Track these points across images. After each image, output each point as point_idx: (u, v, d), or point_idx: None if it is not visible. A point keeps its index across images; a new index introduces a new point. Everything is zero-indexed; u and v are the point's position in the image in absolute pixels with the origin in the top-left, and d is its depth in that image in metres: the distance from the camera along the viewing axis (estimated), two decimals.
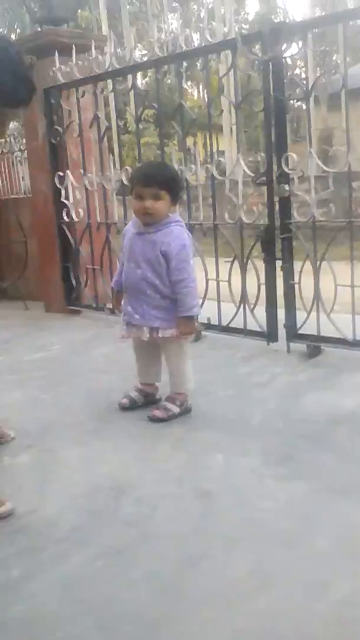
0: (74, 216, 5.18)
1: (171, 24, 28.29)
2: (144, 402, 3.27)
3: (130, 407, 3.24)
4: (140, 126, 4.91)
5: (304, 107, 4.02)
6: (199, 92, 29.54)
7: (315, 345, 3.83)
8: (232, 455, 2.67)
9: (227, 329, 4.27)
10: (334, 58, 25.42)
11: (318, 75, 4.06)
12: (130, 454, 2.76)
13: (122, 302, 3.20)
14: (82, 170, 5.03)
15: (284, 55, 3.83)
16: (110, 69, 4.63)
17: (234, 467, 2.58)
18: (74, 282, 5.38)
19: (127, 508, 2.33)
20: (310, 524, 2.13)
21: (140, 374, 3.31)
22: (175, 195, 3.02)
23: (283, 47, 3.75)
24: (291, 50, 3.86)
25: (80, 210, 5.14)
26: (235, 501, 2.32)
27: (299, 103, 5.72)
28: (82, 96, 4.91)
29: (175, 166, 4.36)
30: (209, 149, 4.32)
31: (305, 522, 2.14)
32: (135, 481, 2.51)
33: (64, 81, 4.98)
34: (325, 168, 3.70)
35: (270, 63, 3.76)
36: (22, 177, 6.86)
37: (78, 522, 2.25)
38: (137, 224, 3.08)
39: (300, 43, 3.77)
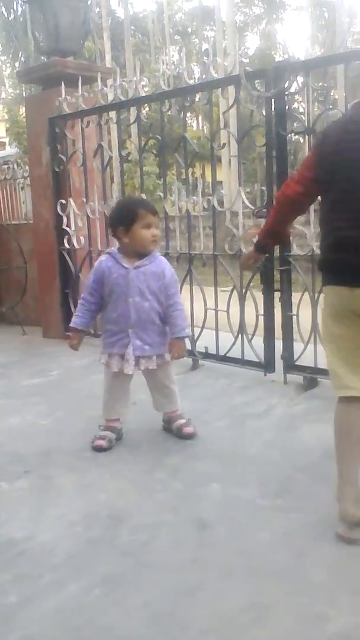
0: (75, 243, 5.23)
1: (172, 56, 28.89)
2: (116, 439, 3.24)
3: (108, 448, 3.13)
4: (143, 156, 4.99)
5: (301, 140, 4.10)
6: (197, 123, 30.00)
7: (312, 377, 3.86)
8: (229, 486, 2.67)
9: (225, 359, 4.30)
10: (332, 93, 25.94)
11: (317, 111, 4.13)
12: (127, 482, 2.77)
13: (117, 338, 3.12)
14: (84, 199, 5.10)
15: (286, 92, 3.92)
16: (115, 101, 4.73)
17: (230, 497, 2.59)
18: (72, 308, 5.40)
19: (124, 537, 2.33)
20: (306, 556, 2.14)
21: (112, 409, 3.23)
22: None
23: (286, 84, 3.84)
24: (293, 87, 3.95)
25: (82, 238, 5.20)
26: (231, 532, 2.33)
27: (297, 136, 5.83)
28: (87, 126, 4.99)
29: (175, 196, 4.44)
30: (207, 180, 4.38)
31: (302, 554, 2.15)
32: (133, 510, 2.52)
33: (69, 111, 5.08)
34: None
35: (272, 99, 3.85)
36: (23, 202, 6.94)
37: (75, 549, 2.25)
38: (125, 260, 3.07)
39: (301, 80, 3.86)
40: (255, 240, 2.83)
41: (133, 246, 3.06)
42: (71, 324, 3.23)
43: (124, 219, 3.04)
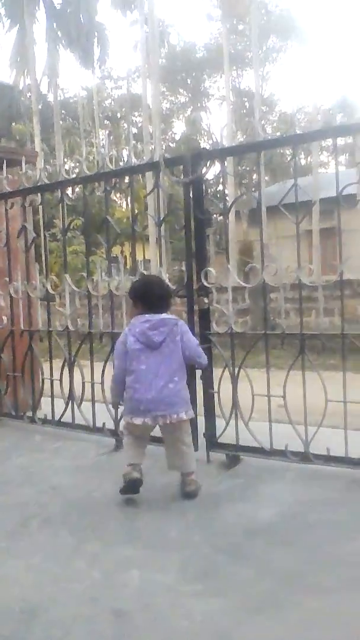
0: None
1: (102, 139, 29.78)
2: None
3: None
4: (69, 235, 5.05)
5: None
6: (127, 203, 30.70)
7: (234, 454, 3.86)
8: (149, 572, 2.60)
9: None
10: (254, 177, 27.19)
11: (238, 193, 4.34)
12: (44, 573, 2.65)
13: None
14: (7, 278, 5.08)
15: (205, 177, 4.10)
16: (40, 184, 4.81)
17: (150, 584, 2.51)
18: None
19: (38, 633, 2.21)
20: None
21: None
22: None
23: (204, 170, 4.03)
24: (212, 171, 4.15)
25: (4, 317, 5.14)
26: (150, 621, 2.25)
27: (221, 217, 6.08)
28: (11, 207, 5.04)
29: (102, 275, 4.48)
30: (138, 258, 4.46)
31: None
32: (48, 603, 2.41)
33: None
34: (242, 283, 3.90)
35: (191, 185, 4.01)
36: None
37: None
38: None
39: (220, 165, 4.05)
40: None
41: None
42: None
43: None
